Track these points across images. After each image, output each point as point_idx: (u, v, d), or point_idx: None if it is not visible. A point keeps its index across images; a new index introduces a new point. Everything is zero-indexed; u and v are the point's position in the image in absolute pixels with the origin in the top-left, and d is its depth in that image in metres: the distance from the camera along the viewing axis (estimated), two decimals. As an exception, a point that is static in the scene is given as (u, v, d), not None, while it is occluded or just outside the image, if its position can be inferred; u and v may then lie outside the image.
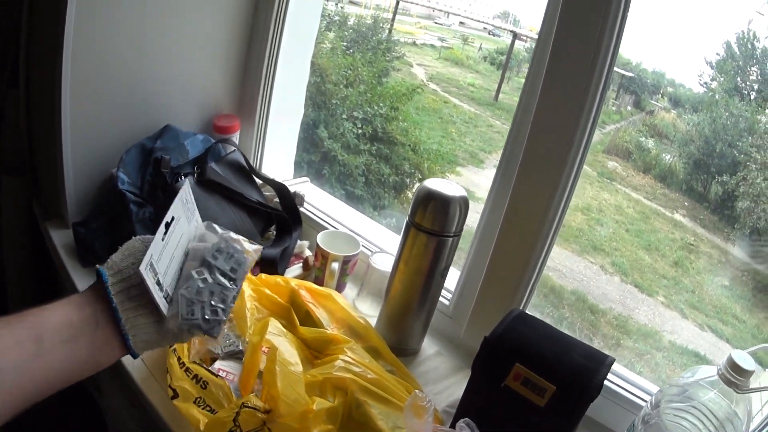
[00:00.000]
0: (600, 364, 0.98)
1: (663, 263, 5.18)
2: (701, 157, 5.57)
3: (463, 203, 1.08)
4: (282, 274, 1.26)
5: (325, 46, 5.65)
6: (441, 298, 1.30)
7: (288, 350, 0.91)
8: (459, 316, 1.26)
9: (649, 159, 6.35)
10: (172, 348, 0.94)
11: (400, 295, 1.18)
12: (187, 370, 0.92)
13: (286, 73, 1.60)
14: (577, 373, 0.97)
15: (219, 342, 0.99)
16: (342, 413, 0.93)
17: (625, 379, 1.16)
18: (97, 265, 0.69)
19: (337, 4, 6.43)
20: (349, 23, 6.53)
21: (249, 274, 1.02)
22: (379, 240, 1.41)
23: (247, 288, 1.05)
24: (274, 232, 1.37)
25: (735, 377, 0.86)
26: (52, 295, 0.65)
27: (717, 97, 5.58)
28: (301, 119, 1.76)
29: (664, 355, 3.79)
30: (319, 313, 1.09)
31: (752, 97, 5.44)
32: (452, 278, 1.31)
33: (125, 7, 1.25)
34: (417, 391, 0.94)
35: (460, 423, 0.87)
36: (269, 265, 1.23)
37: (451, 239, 1.10)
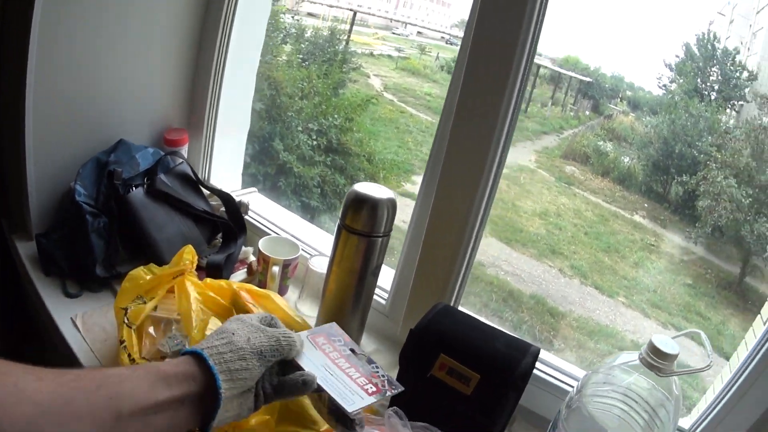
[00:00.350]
0: (524, 353, 1.02)
1: (623, 264, 5.30)
2: (660, 158, 5.70)
3: (391, 205, 1.14)
4: (227, 278, 1.33)
5: (281, 59, 5.70)
6: (378, 298, 1.37)
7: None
8: (395, 314, 1.33)
9: (608, 162, 6.46)
10: (122, 344, 0.99)
11: (335, 295, 1.23)
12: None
13: (232, 87, 1.67)
14: (501, 361, 1.00)
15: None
16: (279, 404, 0.97)
17: (557, 368, 1.22)
18: (194, 348, 0.72)
19: (293, 17, 6.49)
20: (306, 35, 6.53)
21: (195, 279, 1.11)
22: (320, 244, 1.48)
23: (192, 291, 1.08)
24: (221, 240, 1.44)
25: (656, 361, 0.89)
26: (16, 303, 0.70)
27: (677, 98, 5.77)
28: (247, 131, 1.83)
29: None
30: (258, 311, 1.11)
31: (713, 97, 5.58)
32: (388, 278, 1.38)
33: (84, 29, 1.33)
34: (347, 380, 1.02)
35: (389, 411, 0.92)
36: (214, 270, 1.30)
37: (380, 239, 1.16)
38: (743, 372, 1.04)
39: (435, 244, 1.26)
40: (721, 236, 4.63)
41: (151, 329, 1.08)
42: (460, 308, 1.27)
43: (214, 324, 1.01)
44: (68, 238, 1.29)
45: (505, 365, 1.00)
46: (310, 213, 4.89)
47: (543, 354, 1.15)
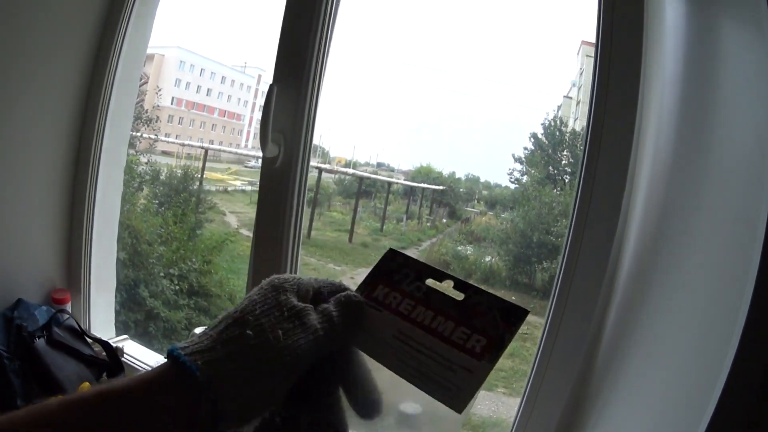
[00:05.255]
0: None
1: None
2: (521, 250, 5.79)
3: None
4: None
5: (139, 205, 5.79)
6: None
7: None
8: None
9: (469, 265, 6.46)
10: None
11: None
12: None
13: (100, 251, 2.01)
14: None
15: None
16: None
17: None
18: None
19: (147, 162, 6.51)
20: (161, 178, 6.58)
21: None
22: None
23: None
24: (106, 377, 1.77)
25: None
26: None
27: (530, 190, 5.87)
28: (115, 290, 2.14)
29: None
30: None
31: (566, 180, 5.73)
32: None
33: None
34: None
35: None
36: None
37: None
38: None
39: None
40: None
41: None
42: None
43: None
44: (-9, 378, 1.59)
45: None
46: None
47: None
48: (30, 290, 1.88)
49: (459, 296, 0.63)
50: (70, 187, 1.96)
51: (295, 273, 1.50)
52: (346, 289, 0.64)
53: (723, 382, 0.76)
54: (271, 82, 1.49)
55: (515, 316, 0.60)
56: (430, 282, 0.65)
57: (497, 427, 4.36)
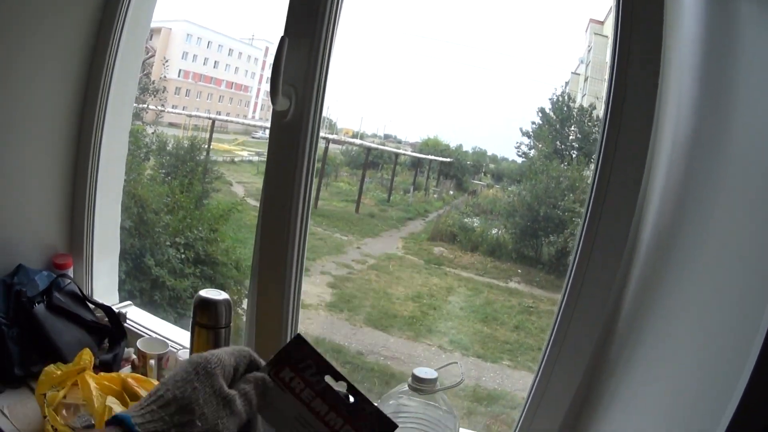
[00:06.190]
0: None
1: (503, 330, 5.35)
2: (527, 224, 5.82)
3: (227, 304, 1.44)
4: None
5: (145, 176, 5.75)
6: None
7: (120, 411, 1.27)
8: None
9: (475, 237, 6.55)
10: (46, 419, 1.26)
11: None
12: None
13: (103, 217, 1.98)
14: None
15: None
16: None
17: None
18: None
19: (153, 132, 6.49)
20: (167, 148, 6.60)
21: (93, 374, 1.39)
22: (186, 341, 1.75)
23: (92, 382, 1.34)
24: (107, 343, 1.74)
25: (418, 385, 1.12)
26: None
27: (537, 164, 5.88)
28: (118, 254, 2.12)
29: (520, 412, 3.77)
30: (142, 392, 1.36)
31: (573, 155, 5.78)
32: None
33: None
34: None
35: None
36: (106, 366, 1.60)
37: (223, 330, 1.44)
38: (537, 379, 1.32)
39: (264, 313, 1.58)
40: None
41: (64, 412, 1.34)
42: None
43: (111, 400, 1.28)
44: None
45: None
46: (187, 324, 4.67)
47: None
48: (31, 256, 1.84)
49: (350, 398, 0.77)
50: (73, 150, 1.93)
51: (304, 239, 1.53)
52: (258, 365, 0.76)
53: (754, 358, 0.72)
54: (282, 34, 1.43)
55: (388, 427, 0.75)
56: (327, 378, 0.76)
57: (502, 399, 4.35)
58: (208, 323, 1.44)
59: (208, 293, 1.45)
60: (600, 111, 4.79)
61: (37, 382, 1.38)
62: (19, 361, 1.54)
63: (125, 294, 2.15)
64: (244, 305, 1.61)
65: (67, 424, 1.30)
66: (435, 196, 8.66)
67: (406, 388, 1.16)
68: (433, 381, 1.14)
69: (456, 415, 1.17)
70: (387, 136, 9.84)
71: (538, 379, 1.33)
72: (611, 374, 1.21)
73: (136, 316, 1.96)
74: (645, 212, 1.19)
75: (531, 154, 6.32)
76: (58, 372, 1.39)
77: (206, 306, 1.44)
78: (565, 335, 1.27)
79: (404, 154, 9.32)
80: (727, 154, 0.95)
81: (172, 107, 8.95)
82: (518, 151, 6.55)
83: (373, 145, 9.42)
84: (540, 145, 6.12)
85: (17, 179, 1.79)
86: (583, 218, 1.25)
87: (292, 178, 1.48)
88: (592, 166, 1.24)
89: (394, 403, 1.18)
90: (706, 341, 0.88)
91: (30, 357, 1.55)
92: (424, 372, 1.14)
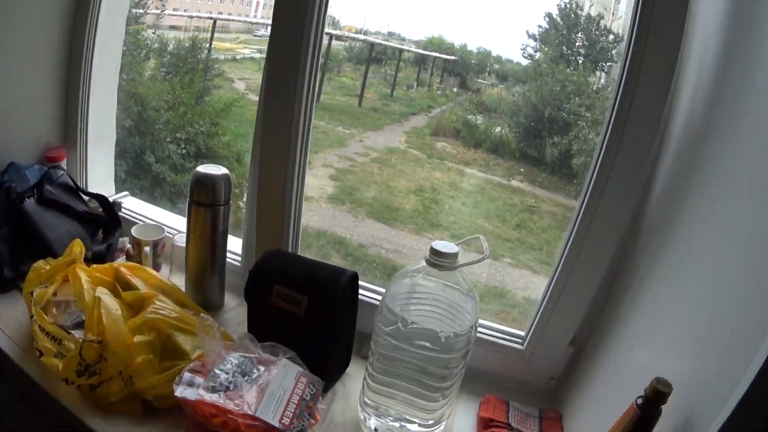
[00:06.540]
0: (341, 274, 1.24)
1: (505, 228, 5.21)
2: (531, 123, 5.60)
3: (226, 179, 1.41)
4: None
5: (145, 75, 5.65)
6: (234, 261, 1.65)
7: (110, 301, 1.20)
8: (248, 271, 1.45)
9: (479, 134, 6.36)
10: (33, 318, 1.23)
11: (194, 259, 1.48)
12: (46, 333, 1.21)
13: (97, 104, 1.90)
14: (322, 282, 1.22)
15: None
16: (158, 346, 1.20)
17: (376, 291, 1.54)
18: None
19: (155, 32, 6.30)
20: (168, 49, 6.41)
21: (84, 266, 1.37)
22: (182, 226, 1.63)
23: (83, 275, 1.32)
24: (102, 235, 1.73)
25: (436, 259, 1.05)
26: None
27: (543, 66, 5.64)
28: (114, 142, 2.05)
29: (521, 310, 3.94)
30: (136, 281, 1.38)
31: (580, 61, 5.45)
32: (239, 245, 1.67)
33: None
34: (201, 314, 1.22)
35: (240, 335, 1.18)
36: (99, 259, 1.58)
37: (222, 207, 1.42)
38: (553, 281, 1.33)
39: (267, 209, 1.54)
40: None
41: (54, 310, 1.33)
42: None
43: (101, 291, 1.24)
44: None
45: (325, 285, 1.22)
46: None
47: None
48: (22, 153, 1.79)
49: None
50: (66, 35, 1.82)
51: (307, 132, 1.50)
52: None
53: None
54: None
55: None
56: None
57: (502, 297, 4.34)
58: (206, 201, 1.41)
59: (207, 168, 1.41)
60: (608, 21, 4.90)
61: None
62: (9, 263, 1.49)
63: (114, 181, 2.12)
64: (245, 199, 1.54)
65: (56, 322, 1.27)
66: (438, 92, 8.38)
67: (423, 264, 1.10)
68: (453, 256, 1.06)
69: (476, 298, 1.12)
70: (391, 33, 9.65)
71: (555, 279, 1.33)
72: (634, 275, 1.20)
73: (132, 205, 1.94)
74: (674, 109, 1.16)
75: (537, 57, 5.95)
76: (47, 267, 1.36)
77: (204, 182, 1.41)
78: (585, 238, 1.26)
79: (408, 50, 9.16)
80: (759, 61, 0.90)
81: (173, 10, 8.76)
82: (524, 53, 6.17)
83: (377, 41, 9.27)
84: (546, 48, 5.78)
85: (7, 72, 1.70)
86: (607, 120, 1.22)
87: (298, 52, 1.42)
88: (617, 68, 1.21)
89: (409, 282, 1.14)
90: (750, 244, 0.82)
91: (20, 256, 1.51)
92: (444, 246, 1.07)
